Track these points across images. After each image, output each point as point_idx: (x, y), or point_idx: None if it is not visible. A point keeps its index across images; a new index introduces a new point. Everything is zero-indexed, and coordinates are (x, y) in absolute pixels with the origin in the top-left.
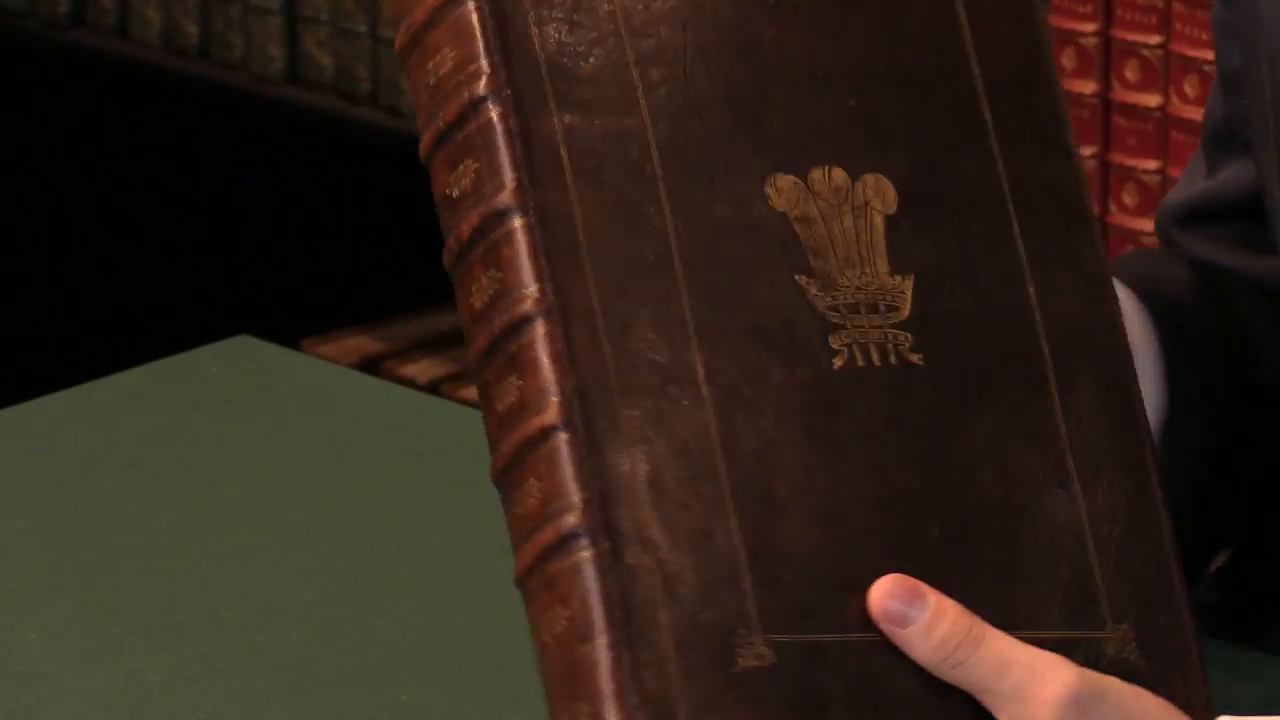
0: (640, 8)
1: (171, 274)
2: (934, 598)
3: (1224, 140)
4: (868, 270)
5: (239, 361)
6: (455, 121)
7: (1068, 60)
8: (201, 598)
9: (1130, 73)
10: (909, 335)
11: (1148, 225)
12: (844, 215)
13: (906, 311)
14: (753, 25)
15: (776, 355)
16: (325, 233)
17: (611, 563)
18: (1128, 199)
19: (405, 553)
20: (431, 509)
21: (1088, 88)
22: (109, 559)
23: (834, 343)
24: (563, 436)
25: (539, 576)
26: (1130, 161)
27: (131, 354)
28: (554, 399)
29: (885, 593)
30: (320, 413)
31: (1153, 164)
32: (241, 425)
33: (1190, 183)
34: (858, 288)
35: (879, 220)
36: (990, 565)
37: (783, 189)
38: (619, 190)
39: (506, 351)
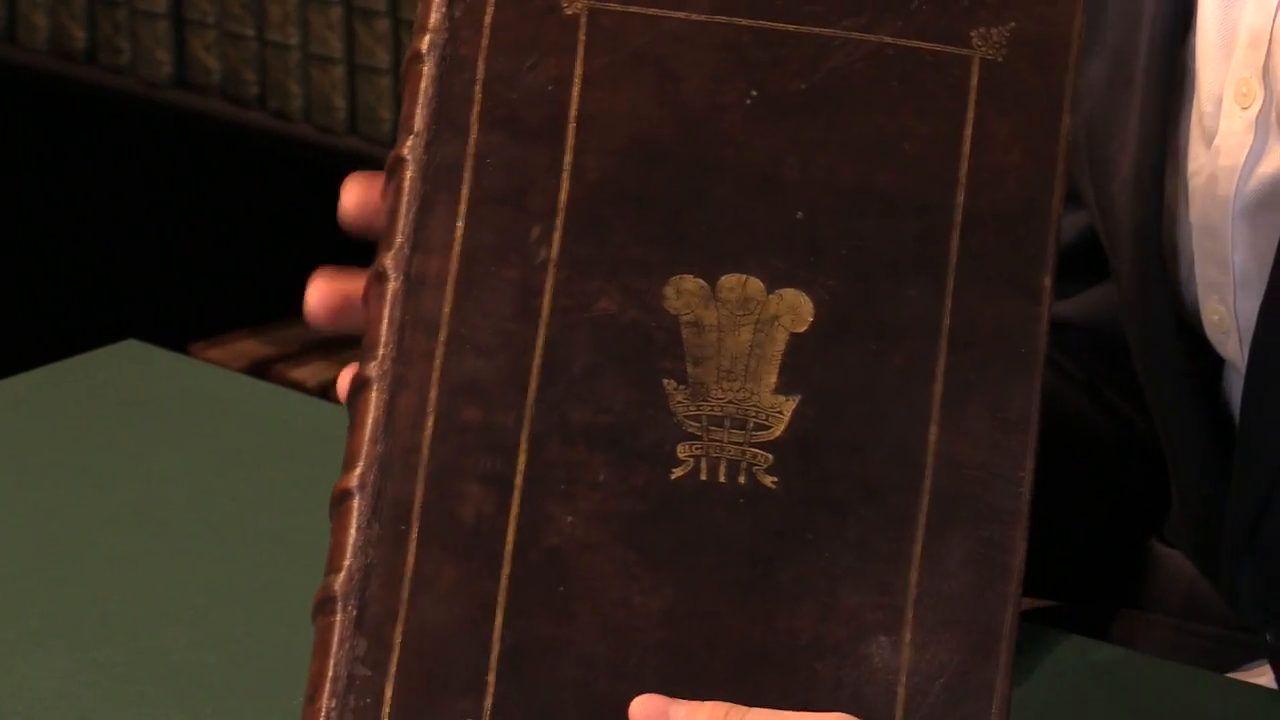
0: (603, 97)
1: (59, 279)
2: (686, 703)
3: None
4: (750, 385)
5: (127, 366)
6: (387, 179)
7: None
8: (92, 603)
9: None
10: (770, 457)
11: None
12: (743, 327)
13: (778, 432)
14: (720, 125)
15: (613, 457)
16: (213, 236)
17: (352, 633)
18: None
19: (295, 556)
20: (321, 512)
21: None
22: None
23: (682, 452)
24: (354, 501)
25: (314, 621)
26: None
27: (19, 359)
28: (359, 463)
29: (643, 707)
30: (210, 417)
31: None
32: (130, 430)
33: None
34: (731, 401)
35: (782, 337)
36: (776, 701)
37: (684, 291)
38: (503, 269)
39: (352, 409)
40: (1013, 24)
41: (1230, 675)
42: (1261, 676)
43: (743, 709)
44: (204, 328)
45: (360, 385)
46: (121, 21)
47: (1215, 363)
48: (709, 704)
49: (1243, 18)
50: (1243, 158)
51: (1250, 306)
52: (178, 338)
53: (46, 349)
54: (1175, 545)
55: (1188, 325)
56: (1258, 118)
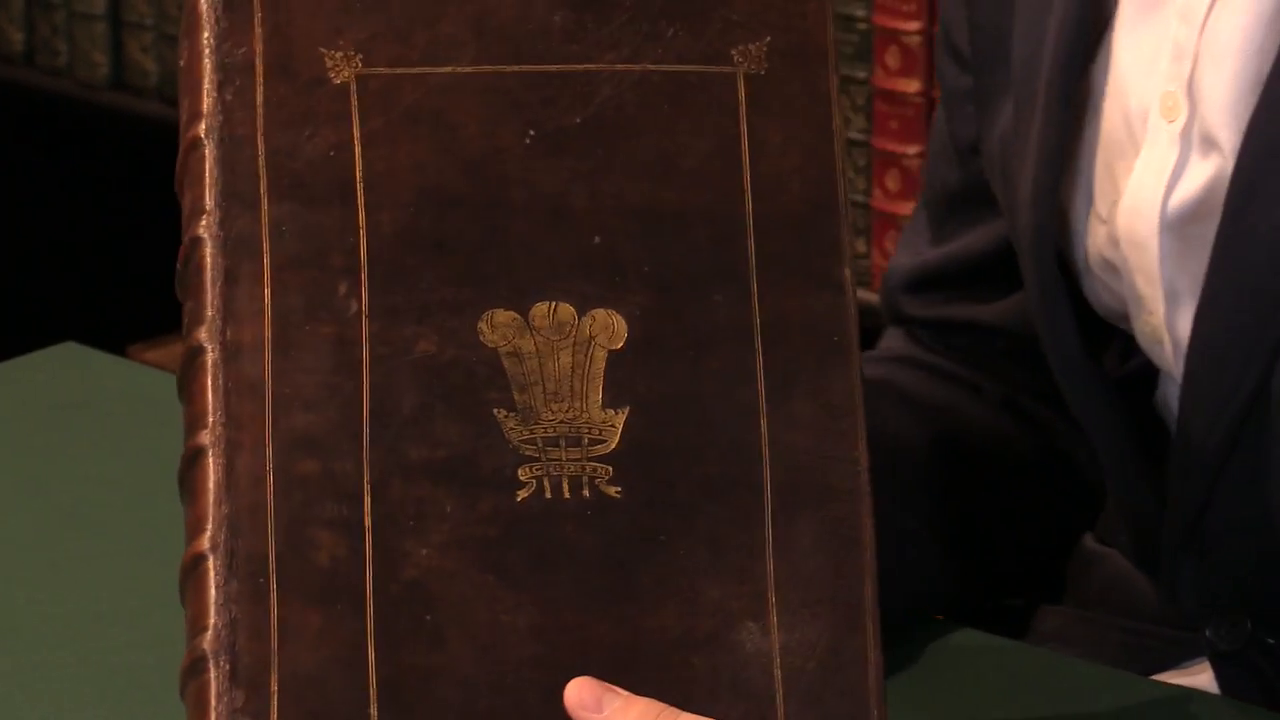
0: (385, 155)
1: None
2: (624, 692)
3: (957, 206)
4: (577, 404)
5: (65, 369)
6: (184, 262)
7: (891, 59)
8: (30, 605)
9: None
10: (610, 468)
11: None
12: (561, 352)
13: (613, 444)
14: (503, 167)
15: (456, 488)
16: (151, 238)
17: (227, 686)
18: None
19: None
20: None
21: (912, 86)
22: None
23: (523, 475)
24: (210, 563)
25: (185, 698)
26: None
27: None
28: (208, 526)
29: (579, 689)
30: (147, 419)
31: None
32: (68, 432)
33: (914, 249)
34: (562, 421)
35: (600, 355)
36: (657, 697)
37: (498, 325)
38: (317, 327)
39: (187, 483)
40: (769, 38)
41: (1169, 673)
42: (1200, 675)
43: (675, 710)
44: (142, 330)
45: (194, 456)
46: (59, 24)
47: (1138, 368)
48: (642, 701)
49: (1168, 30)
50: (1168, 172)
51: (1181, 316)
52: (116, 340)
53: None
54: (1111, 543)
55: (1107, 333)
56: (1182, 132)
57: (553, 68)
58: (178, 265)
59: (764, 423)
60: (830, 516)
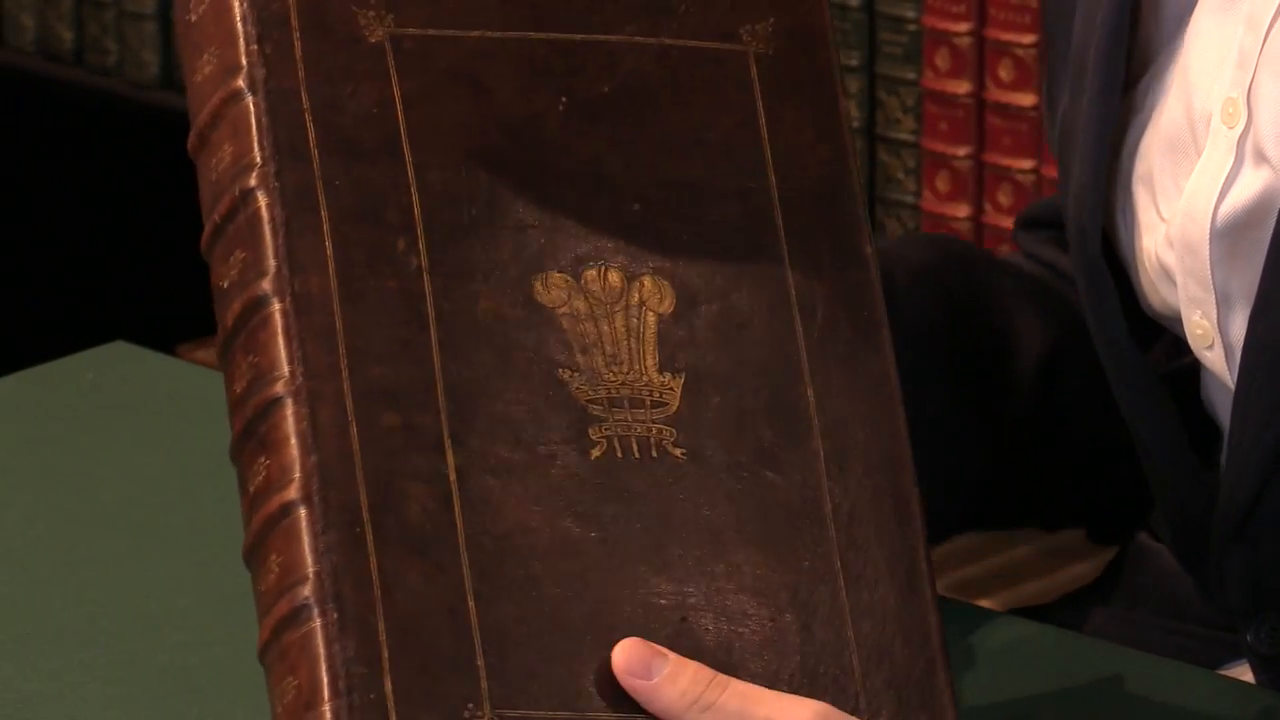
0: (427, 115)
1: (46, 280)
2: (673, 655)
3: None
4: (635, 367)
5: (114, 367)
6: (228, 215)
7: (941, 60)
8: (78, 605)
9: (1004, 72)
10: (673, 430)
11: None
12: (615, 315)
13: (675, 407)
14: (542, 132)
15: (529, 445)
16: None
17: (337, 633)
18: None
19: None
20: None
21: (962, 87)
22: None
23: (593, 434)
24: (301, 512)
25: (275, 649)
26: (1005, 161)
27: (6, 361)
28: (295, 475)
29: (627, 652)
30: (197, 418)
31: (1028, 163)
32: (118, 431)
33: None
34: (623, 383)
35: (652, 320)
36: (744, 655)
37: (553, 286)
38: (382, 281)
39: (258, 434)
40: (772, 19)
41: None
42: (1241, 677)
43: (725, 679)
44: (192, 329)
45: (268, 406)
46: (109, 23)
47: (1187, 367)
48: (692, 666)
49: (1236, 34)
50: (1222, 177)
51: (1234, 320)
52: (165, 339)
53: (34, 351)
54: (1161, 539)
55: (1155, 329)
56: (1239, 139)
57: (576, 36)
58: (214, 219)
59: (810, 392)
60: (879, 484)
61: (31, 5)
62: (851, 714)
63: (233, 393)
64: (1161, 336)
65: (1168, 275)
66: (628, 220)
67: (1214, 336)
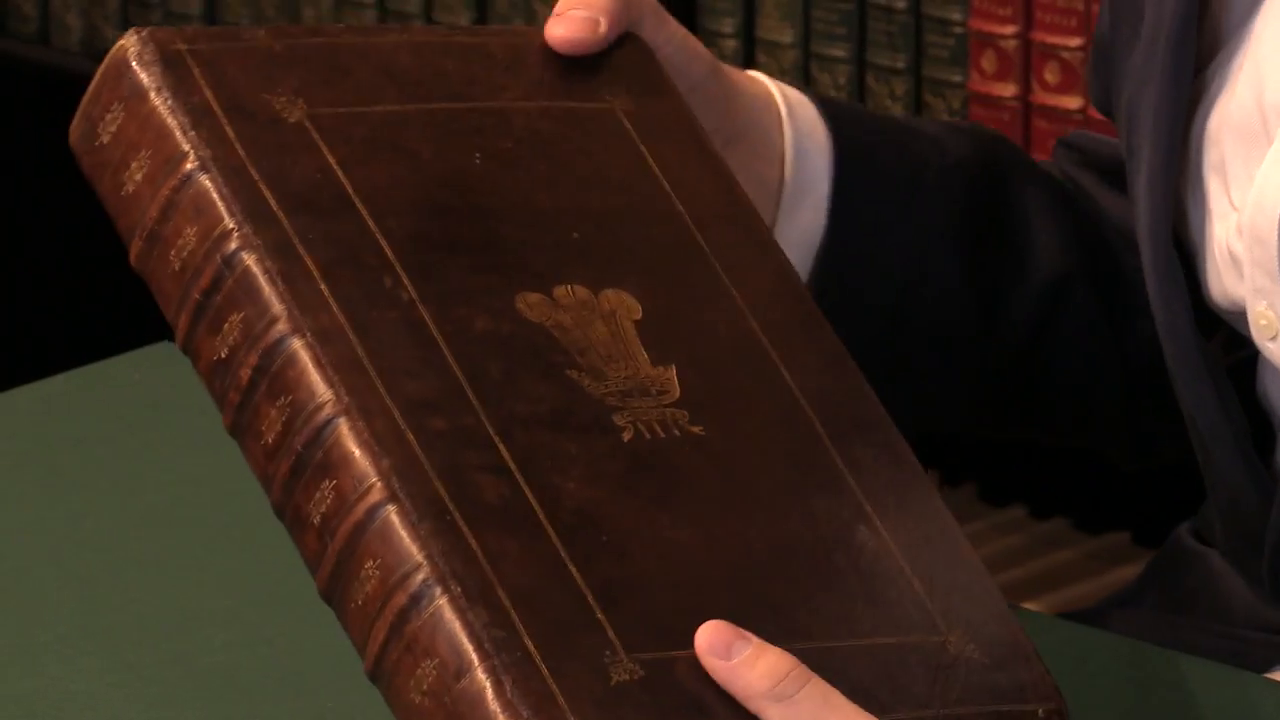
0: (365, 175)
1: (92, 281)
2: (756, 640)
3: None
4: (631, 364)
5: (160, 368)
6: (210, 289)
7: (987, 63)
8: (124, 605)
9: (1050, 75)
10: (685, 412)
11: None
12: (595, 322)
13: (677, 394)
14: (468, 179)
15: (568, 433)
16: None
17: (467, 604)
18: None
19: None
20: None
21: (1008, 90)
22: (31, 566)
23: (619, 420)
24: (390, 509)
25: (396, 648)
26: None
27: (52, 362)
28: (373, 480)
29: (710, 633)
30: None
31: None
32: (163, 432)
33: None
34: (626, 378)
35: (629, 324)
36: (820, 587)
37: (533, 304)
38: (383, 313)
39: (313, 463)
40: (625, 86)
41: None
42: None
43: (807, 673)
44: None
45: (321, 430)
46: (155, 23)
47: (1242, 362)
48: (774, 652)
49: None
50: None
51: None
52: None
53: (80, 352)
54: (1209, 541)
55: (1215, 322)
56: None
57: (463, 105)
58: (194, 298)
59: (786, 373)
60: (876, 442)
61: (78, 5)
62: (934, 633)
63: (263, 448)
64: (1220, 330)
65: (1235, 264)
66: (574, 246)
67: (1279, 328)
